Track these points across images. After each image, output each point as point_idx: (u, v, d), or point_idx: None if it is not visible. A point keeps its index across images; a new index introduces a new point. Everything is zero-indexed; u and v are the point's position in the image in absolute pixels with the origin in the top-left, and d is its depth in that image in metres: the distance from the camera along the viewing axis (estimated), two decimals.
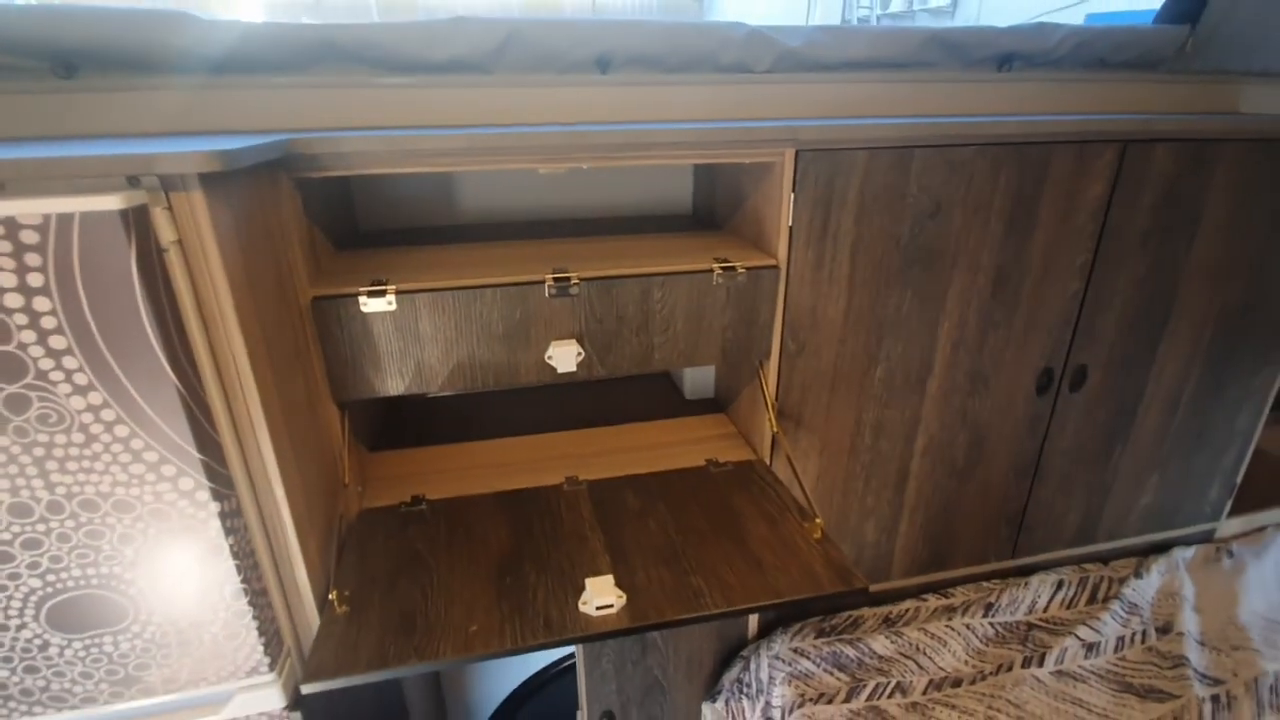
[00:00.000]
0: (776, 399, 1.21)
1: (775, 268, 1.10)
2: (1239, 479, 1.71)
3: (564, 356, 1.04)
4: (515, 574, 0.94)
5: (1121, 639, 1.44)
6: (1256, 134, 1.26)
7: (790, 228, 1.08)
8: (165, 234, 0.66)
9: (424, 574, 0.95)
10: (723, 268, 1.07)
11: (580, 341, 1.05)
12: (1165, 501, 1.67)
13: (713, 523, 1.05)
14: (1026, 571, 1.62)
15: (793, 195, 1.06)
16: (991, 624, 1.49)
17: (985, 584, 1.60)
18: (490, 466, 1.26)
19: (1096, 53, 1.45)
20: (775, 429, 1.19)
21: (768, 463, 1.27)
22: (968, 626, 1.47)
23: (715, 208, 1.42)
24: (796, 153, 1.04)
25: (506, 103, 1.31)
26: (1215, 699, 1.34)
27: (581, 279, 1.01)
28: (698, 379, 1.57)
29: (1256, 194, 1.33)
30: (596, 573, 0.93)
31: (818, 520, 1.02)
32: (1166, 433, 1.55)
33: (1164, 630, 1.48)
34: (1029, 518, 1.55)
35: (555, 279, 1.00)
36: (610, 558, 0.97)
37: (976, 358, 1.28)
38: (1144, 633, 1.46)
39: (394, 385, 1.02)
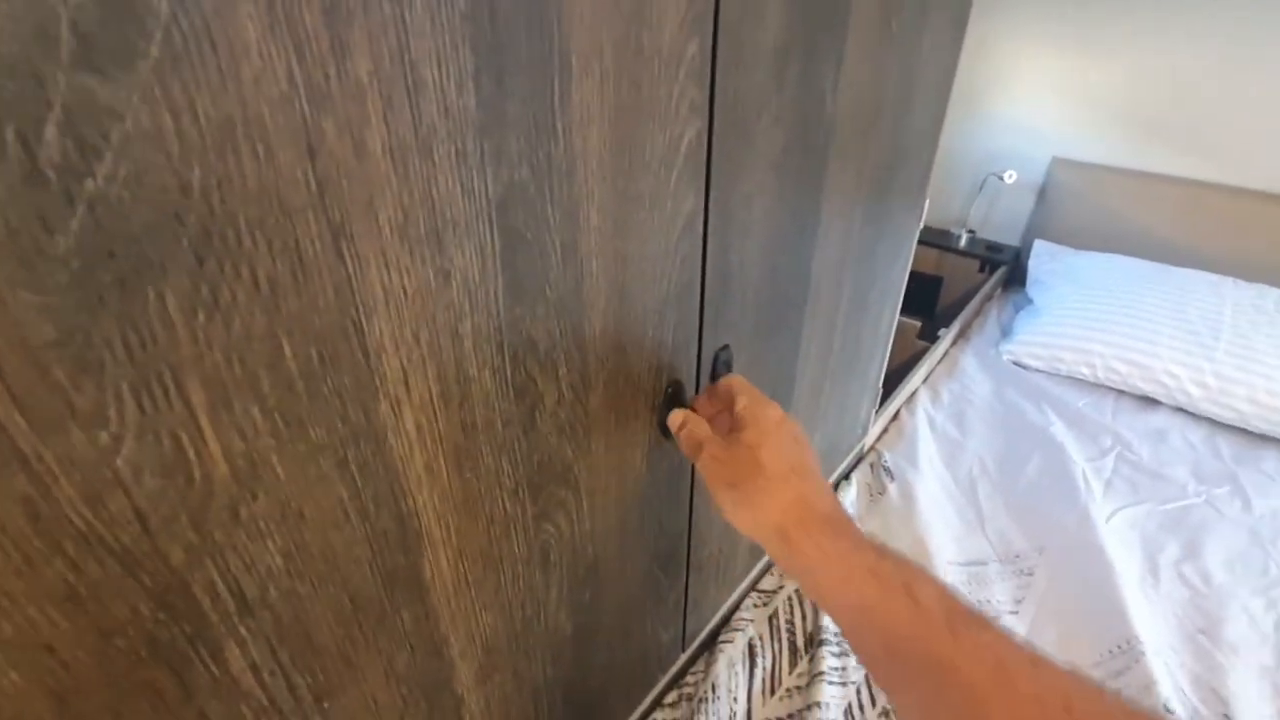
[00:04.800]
0: None
1: None
2: (880, 384, 1.32)
3: None
4: None
5: (850, 711, 0.90)
6: None
7: None
8: None
9: None
10: None
11: None
12: (828, 447, 1.16)
13: None
14: (706, 646, 1.06)
15: None
16: None
17: (661, 718, 0.98)
18: None
19: None
20: None
21: None
22: None
23: None
24: None
25: None
26: None
27: None
28: None
29: None
30: None
31: None
32: (826, 374, 0.98)
33: None
34: (692, 594, 0.94)
35: None
36: None
37: (523, 444, 0.45)
38: (867, 678, 0.92)
39: None
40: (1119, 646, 0.97)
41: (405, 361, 0.34)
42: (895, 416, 1.46)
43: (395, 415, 0.35)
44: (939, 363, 1.63)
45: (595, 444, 0.52)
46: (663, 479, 0.66)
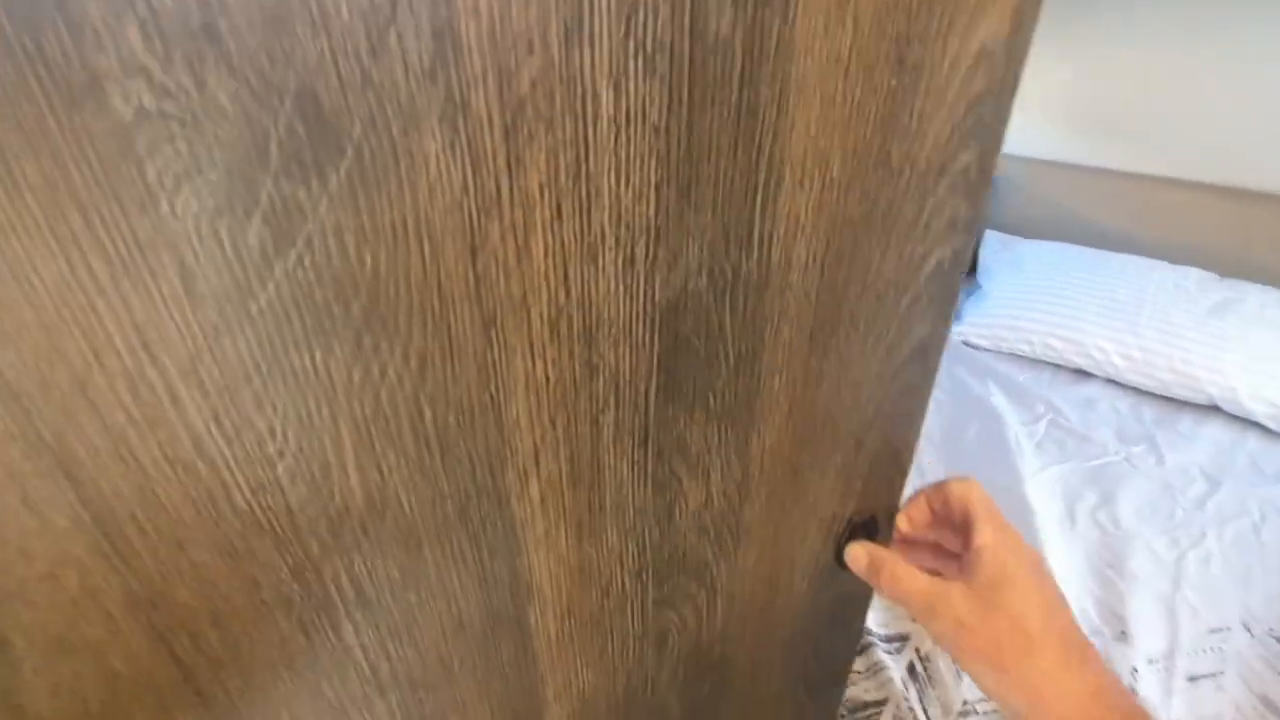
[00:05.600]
0: None
1: None
2: None
3: None
4: None
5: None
6: None
7: None
8: None
9: None
10: None
11: None
12: None
13: None
14: None
15: None
16: None
17: None
18: None
19: None
20: None
21: None
22: None
23: None
24: None
25: None
26: (913, 672, 0.96)
27: None
28: None
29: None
30: None
31: None
32: None
33: None
34: None
35: None
36: None
37: (654, 533, 0.42)
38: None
39: None
40: None
41: (538, 440, 0.35)
42: None
43: (521, 483, 0.37)
44: None
45: (743, 553, 0.47)
46: (826, 605, 0.57)
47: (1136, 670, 0.94)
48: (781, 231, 0.33)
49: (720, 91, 0.27)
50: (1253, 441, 1.31)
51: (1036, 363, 1.59)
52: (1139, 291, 1.53)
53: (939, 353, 0.42)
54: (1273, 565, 1.06)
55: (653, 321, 0.34)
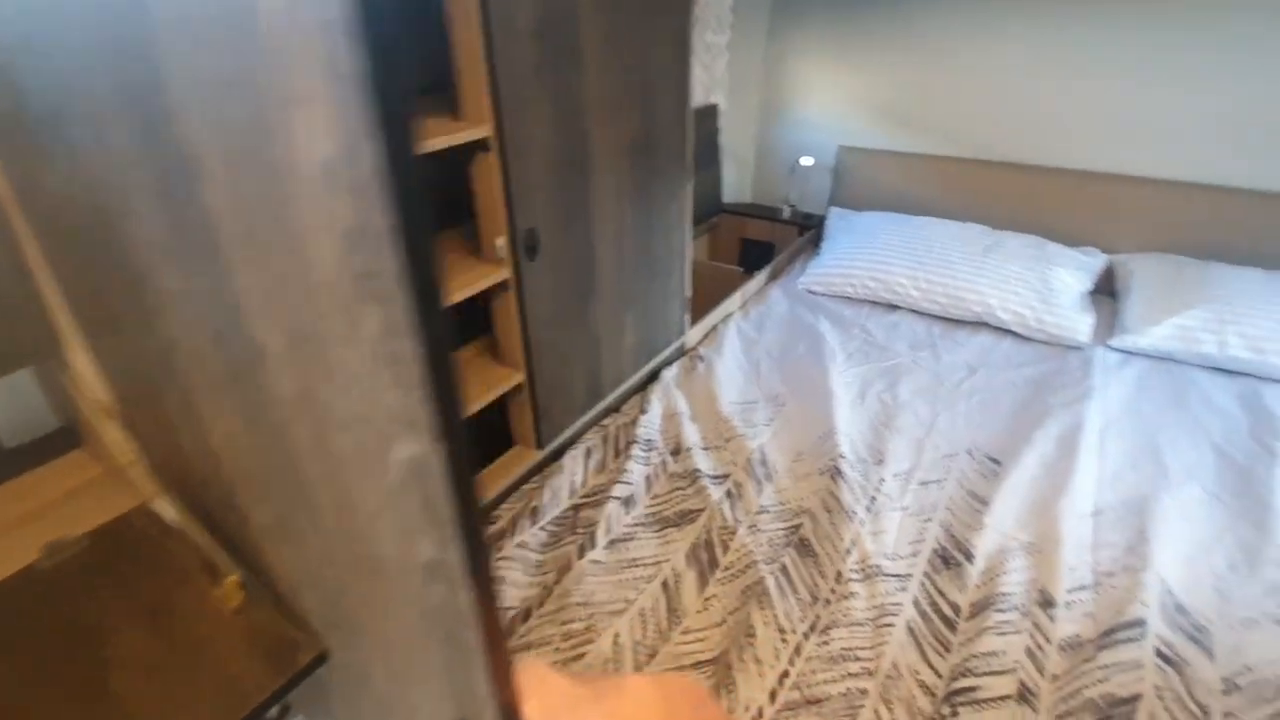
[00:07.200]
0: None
1: None
2: (688, 293, 1.80)
3: None
4: None
5: (648, 477, 1.39)
6: None
7: None
8: None
9: None
10: None
11: None
12: (645, 334, 1.65)
13: (34, 680, 0.56)
14: (560, 456, 1.47)
15: None
16: (543, 528, 1.33)
17: (527, 488, 1.45)
18: None
19: None
20: (125, 459, 0.72)
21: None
22: (520, 546, 1.30)
23: None
24: None
25: None
26: (729, 494, 1.35)
27: None
28: (11, 407, 0.88)
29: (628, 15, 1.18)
30: None
31: (230, 578, 0.61)
32: (622, 272, 1.46)
33: (676, 451, 1.46)
34: (540, 402, 1.42)
35: None
36: None
37: None
38: (663, 462, 1.43)
39: None
40: (825, 432, 1.50)
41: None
42: (714, 329, 1.98)
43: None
44: (754, 295, 2.18)
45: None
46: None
47: (884, 480, 1.35)
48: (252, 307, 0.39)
49: None
50: (1007, 344, 1.83)
51: (859, 301, 2.08)
52: (929, 241, 2.06)
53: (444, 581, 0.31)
54: (1000, 418, 1.52)
55: None
